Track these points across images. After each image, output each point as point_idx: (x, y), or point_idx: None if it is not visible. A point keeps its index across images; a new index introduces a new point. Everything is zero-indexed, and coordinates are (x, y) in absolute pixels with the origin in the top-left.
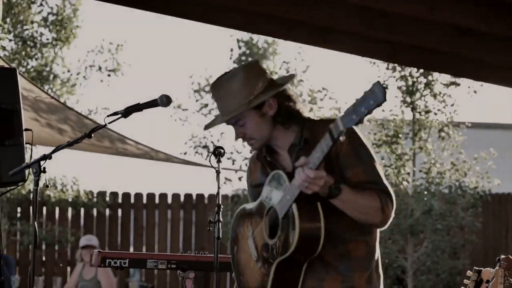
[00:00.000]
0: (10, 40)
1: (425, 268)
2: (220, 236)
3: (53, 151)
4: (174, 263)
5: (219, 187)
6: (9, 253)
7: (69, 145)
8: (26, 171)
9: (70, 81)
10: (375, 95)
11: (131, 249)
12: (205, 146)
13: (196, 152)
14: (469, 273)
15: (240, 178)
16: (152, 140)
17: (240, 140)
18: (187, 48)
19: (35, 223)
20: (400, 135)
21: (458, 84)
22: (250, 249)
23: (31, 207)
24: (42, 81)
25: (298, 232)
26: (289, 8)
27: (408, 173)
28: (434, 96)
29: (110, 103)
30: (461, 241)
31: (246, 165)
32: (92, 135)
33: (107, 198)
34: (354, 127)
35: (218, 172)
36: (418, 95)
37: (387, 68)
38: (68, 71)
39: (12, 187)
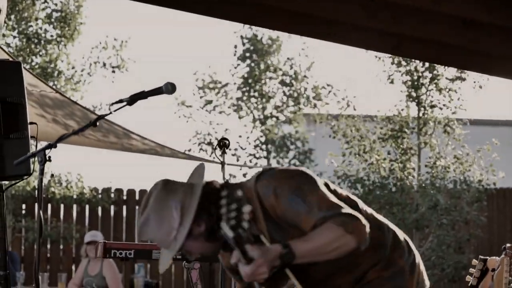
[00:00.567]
0: (15, 37)
1: (430, 262)
2: None
3: (59, 140)
4: (179, 254)
5: (224, 178)
6: (14, 249)
7: (75, 133)
8: (31, 164)
9: (75, 77)
10: None
11: None
12: (210, 143)
13: (201, 149)
14: (474, 262)
15: (244, 175)
16: (156, 138)
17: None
18: (191, 45)
19: (41, 211)
20: (406, 130)
21: (464, 79)
22: None
23: (36, 204)
24: (47, 77)
25: None
26: (294, 1)
27: (414, 168)
28: (440, 91)
29: (114, 99)
30: (466, 235)
31: (250, 161)
32: (97, 124)
33: (112, 195)
34: (266, 180)
35: (223, 164)
36: (423, 90)
37: (392, 63)
38: (73, 67)
39: (17, 181)
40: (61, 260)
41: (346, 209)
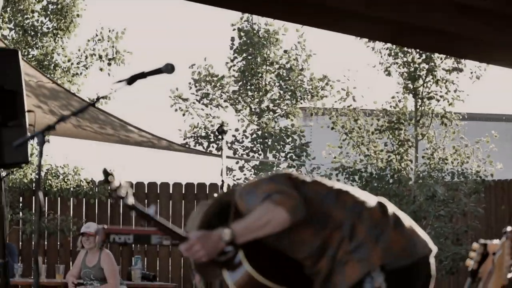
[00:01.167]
0: (11, 30)
1: None
2: None
3: (57, 122)
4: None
5: (223, 164)
6: (12, 242)
7: (74, 114)
8: (29, 152)
9: (71, 70)
10: None
11: None
12: (206, 137)
13: (197, 143)
14: (474, 246)
15: (241, 168)
16: (152, 131)
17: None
18: (188, 38)
19: (40, 193)
20: (403, 121)
21: (461, 70)
22: None
23: (33, 197)
24: (43, 70)
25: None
26: None
27: (411, 160)
28: (437, 82)
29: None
30: (464, 227)
31: (247, 154)
32: (96, 105)
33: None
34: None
35: (221, 150)
36: (420, 81)
37: (389, 55)
38: (69, 60)
39: (15, 168)
40: (58, 252)
41: (281, 189)
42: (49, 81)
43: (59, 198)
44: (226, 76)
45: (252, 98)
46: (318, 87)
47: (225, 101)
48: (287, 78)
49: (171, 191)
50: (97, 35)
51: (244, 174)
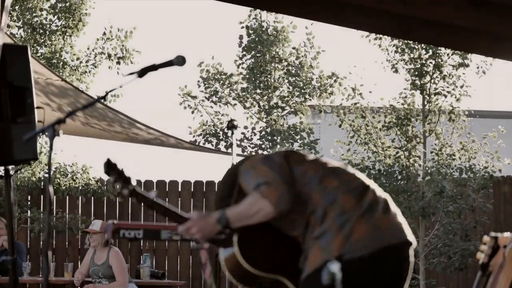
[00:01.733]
0: (19, 28)
1: (437, 250)
2: None
3: (68, 115)
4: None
5: (233, 159)
6: (20, 240)
7: (84, 107)
8: (38, 149)
9: (80, 68)
10: None
11: None
12: (215, 134)
13: (206, 141)
14: (485, 239)
15: None
16: (161, 129)
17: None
18: (196, 36)
19: (50, 186)
20: (410, 118)
21: (467, 65)
22: None
23: (41, 195)
24: (52, 68)
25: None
26: None
27: (419, 156)
28: (443, 78)
29: (119, 90)
30: (472, 223)
31: (256, 152)
32: (106, 98)
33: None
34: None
35: (232, 145)
36: (427, 78)
37: (396, 51)
38: (78, 58)
39: (24, 165)
40: (66, 251)
41: (269, 180)
42: (58, 79)
43: (67, 197)
44: (234, 73)
45: (261, 96)
46: (326, 84)
47: (233, 98)
48: (296, 75)
49: (180, 189)
50: (105, 34)
51: None
